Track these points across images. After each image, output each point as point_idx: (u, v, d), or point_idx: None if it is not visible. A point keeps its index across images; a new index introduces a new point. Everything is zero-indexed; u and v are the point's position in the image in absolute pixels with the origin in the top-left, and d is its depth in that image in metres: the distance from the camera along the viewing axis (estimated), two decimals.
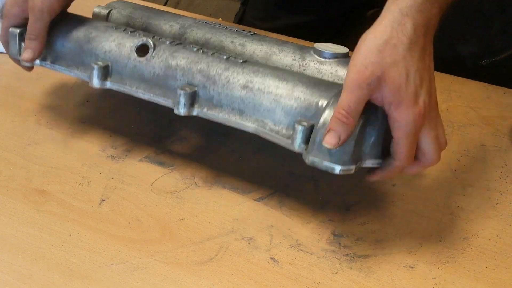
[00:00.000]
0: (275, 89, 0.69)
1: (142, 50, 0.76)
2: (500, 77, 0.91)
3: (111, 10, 0.94)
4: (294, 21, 1.25)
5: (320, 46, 0.77)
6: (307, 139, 0.65)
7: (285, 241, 0.74)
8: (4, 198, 0.81)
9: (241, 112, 0.71)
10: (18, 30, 0.84)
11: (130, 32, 0.80)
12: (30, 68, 0.89)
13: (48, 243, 0.75)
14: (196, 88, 0.73)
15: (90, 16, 0.96)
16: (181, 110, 0.73)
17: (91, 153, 0.88)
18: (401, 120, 0.60)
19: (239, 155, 0.87)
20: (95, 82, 0.78)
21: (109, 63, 0.78)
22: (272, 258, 0.72)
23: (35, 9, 0.79)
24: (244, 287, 0.69)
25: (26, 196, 0.81)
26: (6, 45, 0.87)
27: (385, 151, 0.66)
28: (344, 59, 0.75)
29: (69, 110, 0.94)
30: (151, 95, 0.76)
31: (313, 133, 0.64)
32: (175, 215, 0.78)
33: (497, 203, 0.77)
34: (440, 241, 0.73)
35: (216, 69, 0.72)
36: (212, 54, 0.74)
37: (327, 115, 0.63)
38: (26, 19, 0.82)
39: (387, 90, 0.60)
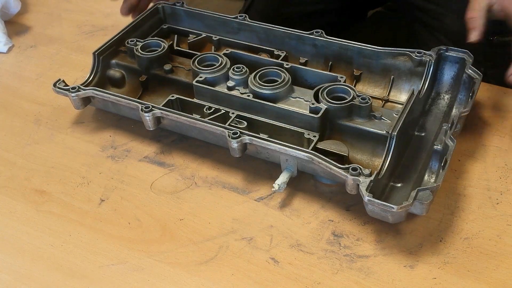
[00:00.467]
0: None
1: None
2: (508, 57, 0.90)
3: None
4: (300, 11, 1.26)
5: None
6: None
7: (285, 241, 0.74)
8: (4, 198, 0.81)
9: None
10: None
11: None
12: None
13: (48, 243, 0.75)
14: None
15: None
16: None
17: (91, 153, 0.88)
18: None
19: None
20: None
21: None
22: (272, 258, 0.72)
23: None
24: (244, 287, 0.69)
25: (26, 196, 0.81)
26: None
27: None
28: None
29: (69, 110, 0.94)
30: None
31: None
32: (175, 215, 0.78)
33: (497, 203, 0.77)
34: (440, 241, 0.72)
35: None
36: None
37: None
38: None
39: None
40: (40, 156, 0.88)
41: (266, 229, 0.75)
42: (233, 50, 0.93)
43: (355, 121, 0.81)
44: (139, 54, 0.92)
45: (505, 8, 0.83)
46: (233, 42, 0.98)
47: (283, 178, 0.77)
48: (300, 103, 0.83)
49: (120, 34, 0.96)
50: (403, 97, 0.89)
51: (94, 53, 0.93)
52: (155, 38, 0.96)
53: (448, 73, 0.89)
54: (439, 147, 0.75)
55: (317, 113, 0.79)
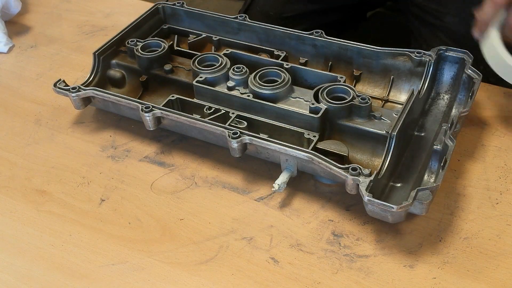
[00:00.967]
0: None
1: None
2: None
3: None
4: (300, 10, 1.26)
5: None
6: None
7: (285, 241, 0.74)
8: (4, 198, 0.81)
9: None
10: None
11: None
12: None
13: (48, 243, 0.75)
14: None
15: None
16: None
17: (91, 153, 0.88)
18: None
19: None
20: None
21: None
22: (272, 258, 0.72)
23: None
24: (244, 287, 0.69)
25: (26, 196, 0.81)
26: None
27: None
28: None
29: (69, 110, 0.94)
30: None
31: None
32: (175, 215, 0.78)
33: (497, 203, 0.77)
34: (439, 241, 0.73)
35: None
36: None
37: None
38: None
39: None
40: (40, 156, 0.88)
41: (266, 229, 0.75)
42: (233, 50, 0.93)
43: (355, 121, 0.81)
44: (139, 54, 0.92)
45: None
46: (233, 42, 0.98)
47: (283, 178, 0.77)
48: (300, 103, 0.83)
49: (120, 34, 0.96)
50: (403, 97, 0.89)
51: (94, 53, 0.93)
52: (155, 38, 0.97)
53: (447, 73, 0.89)
54: (438, 147, 0.75)
55: (317, 113, 0.80)
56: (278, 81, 0.85)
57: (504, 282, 0.68)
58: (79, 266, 0.72)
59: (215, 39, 0.99)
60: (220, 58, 0.90)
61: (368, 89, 0.92)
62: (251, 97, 0.83)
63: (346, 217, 0.76)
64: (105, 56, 0.94)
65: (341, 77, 0.86)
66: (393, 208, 0.67)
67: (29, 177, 0.84)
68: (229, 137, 0.77)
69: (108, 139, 0.90)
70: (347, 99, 0.81)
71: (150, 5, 1.05)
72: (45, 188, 0.82)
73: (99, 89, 0.87)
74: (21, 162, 0.87)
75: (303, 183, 0.81)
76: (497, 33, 0.78)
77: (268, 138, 0.77)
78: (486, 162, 0.82)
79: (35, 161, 0.87)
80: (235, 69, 0.87)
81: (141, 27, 1.00)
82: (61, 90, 0.88)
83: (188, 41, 0.99)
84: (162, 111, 0.82)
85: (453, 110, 0.87)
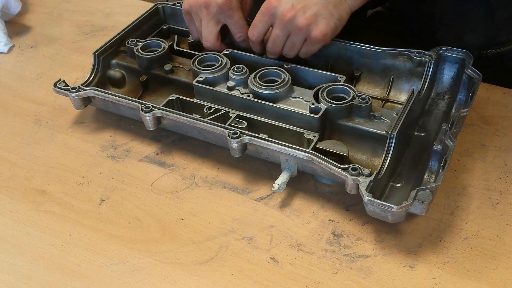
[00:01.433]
0: None
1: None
2: (503, 68, 0.91)
3: None
4: None
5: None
6: None
7: (285, 241, 0.74)
8: (4, 198, 0.81)
9: None
10: None
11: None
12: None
13: (48, 243, 0.75)
14: None
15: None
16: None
17: (91, 153, 0.88)
18: None
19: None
20: None
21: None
22: (272, 258, 0.72)
23: None
24: (244, 287, 0.69)
25: (26, 196, 0.81)
26: None
27: None
28: None
29: (69, 110, 0.94)
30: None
31: None
32: (175, 215, 0.78)
33: (497, 203, 0.77)
34: (440, 241, 0.73)
35: None
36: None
37: None
38: None
39: None
40: (40, 156, 0.88)
41: (266, 229, 0.75)
42: (233, 50, 0.93)
43: (355, 121, 0.81)
44: (139, 54, 0.92)
45: None
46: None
47: (283, 178, 0.77)
48: (300, 103, 0.83)
49: (120, 34, 0.96)
50: (402, 97, 0.89)
51: (94, 53, 0.93)
52: (155, 38, 0.97)
53: (447, 73, 0.89)
54: (438, 147, 0.76)
55: (317, 113, 0.80)
56: (278, 81, 0.85)
57: (504, 282, 0.68)
58: (79, 266, 0.72)
59: None
60: (220, 58, 0.90)
61: (368, 89, 0.92)
62: (251, 97, 0.83)
63: (346, 217, 0.76)
64: (105, 56, 0.94)
65: (341, 77, 0.86)
66: (393, 208, 0.67)
67: (29, 177, 0.84)
68: (229, 137, 0.77)
69: (108, 139, 0.90)
70: (347, 99, 0.81)
71: (150, 5, 1.05)
72: (45, 188, 0.82)
73: (99, 89, 0.87)
74: (21, 162, 0.87)
75: (303, 183, 0.81)
76: None
77: (268, 138, 0.77)
78: (486, 162, 0.82)
79: (35, 161, 0.87)
80: (235, 69, 0.87)
81: (141, 27, 1.00)
82: (61, 90, 0.88)
83: (188, 41, 0.99)
84: (162, 111, 0.82)
85: (453, 110, 0.87)
